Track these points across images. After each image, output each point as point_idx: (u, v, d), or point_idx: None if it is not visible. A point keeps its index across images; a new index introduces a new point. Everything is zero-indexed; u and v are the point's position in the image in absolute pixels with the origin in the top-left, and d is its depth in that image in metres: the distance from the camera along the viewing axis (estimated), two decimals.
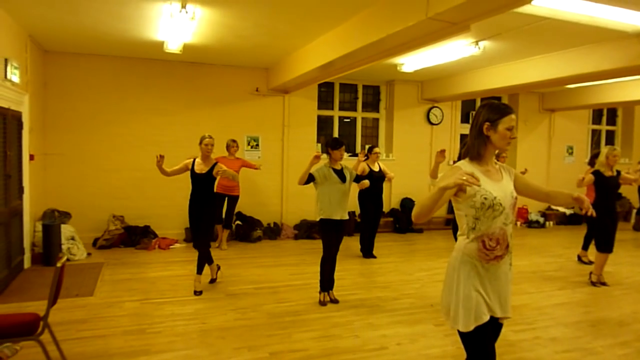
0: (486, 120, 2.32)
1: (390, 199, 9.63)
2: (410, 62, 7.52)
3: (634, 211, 11.05)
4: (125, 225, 7.71)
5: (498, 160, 2.48)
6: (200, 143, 5.29)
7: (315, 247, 7.50)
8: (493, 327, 2.34)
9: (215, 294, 5.28)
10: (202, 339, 4.04)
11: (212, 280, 5.64)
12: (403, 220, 9.43)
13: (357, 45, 5.25)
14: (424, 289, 5.62)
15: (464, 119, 10.51)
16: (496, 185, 2.33)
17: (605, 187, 5.86)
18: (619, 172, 5.98)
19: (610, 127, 12.37)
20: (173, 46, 6.34)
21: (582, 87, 9.70)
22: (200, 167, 5.27)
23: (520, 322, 4.56)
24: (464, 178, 2.06)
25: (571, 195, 2.45)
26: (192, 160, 5.34)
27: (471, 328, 2.26)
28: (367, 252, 7.26)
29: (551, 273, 6.48)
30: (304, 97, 8.97)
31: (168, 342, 3.95)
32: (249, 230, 8.22)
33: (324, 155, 5.30)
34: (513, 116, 2.32)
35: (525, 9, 4.43)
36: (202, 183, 5.25)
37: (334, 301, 5.08)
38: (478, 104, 10.69)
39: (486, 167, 2.36)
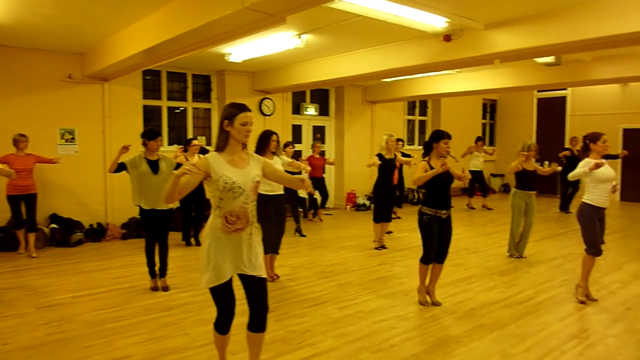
0: (225, 118, 2.78)
1: None
2: (238, 52, 7.48)
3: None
4: None
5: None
6: None
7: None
8: (252, 282, 2.89)
9: (22, 308, 4.64)
10: None
11: None
12: None
13: (178, 31, 5.02)
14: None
15: (295, 110, 10.85)
16: (238, 172, 2.79)
17: (385, 167, 6.94)
18: (395, 155, 7.25)
19: (422, 117, 13.91)
20: None
21: (397, 81, 10.72)
22: None
23: (344, 299, 4.89)
24: (187, 168, 2.59)
25: (298, 178, 2.99)
26: None
27: (210, 285, 2.82)
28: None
29: (372, 251, 7.06)
30: (127, 85, 8.34)
31: None
32: (67, 234, 7.38)
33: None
34: (248, 113, 2.79)
35: (338, 5, 4.70)
36: None
37: (165, 288, 5.13)
38: (308, 95, 11.13)
39: (231, 157, 2.81)
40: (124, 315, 4.46)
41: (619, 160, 12.38)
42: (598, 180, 4.62)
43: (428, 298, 4.74)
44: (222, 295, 2.89)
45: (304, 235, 8.18)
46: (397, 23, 5.44)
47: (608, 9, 4.85)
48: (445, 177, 4.48)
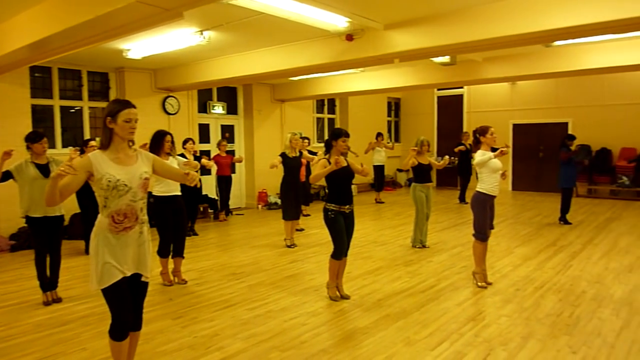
0: (107, 115, 2.74)
1: None
2: (137, 48, 7.13)
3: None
4: None
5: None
6: None
7: None
8: (138, 284, 2.89)
9: None
10: None
11: None
12: None
13: (67, 24, 4.67)
14: (162, 284, 5.45)
15: (202, 109, 10.57)
16: (123, 169, 2.75)
17: (289, 166, 7.09)
18: (301, 153, 7.46)
19: (331, 116, 14.16)
20: None
21: (305, 80, 10.82)
22: None
23: (255, 299, 4.84)
24: (62, 169, 2.52)
25: (182, 173, 3.04)
26: None
27: (102, 287, 2.72)
28: None
29: (284, 249, 7.06)
30: (12, 84, 7.63)
31: None
32: None
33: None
34: (132, 110, 2.76)
35: (237, 2, 4.62)
36: None
37: (56, 300, 4.83)
38: (215, 93, 10.89)
39: (115, 155, 2.76)
40: (13, 334, 4.07)
41: (510, 153, 13.49)
42: (492, 170, 4.99)
43: (337, 292, 4.83)
44: (114, 297, 2.78)
45: (197, 234, 8.16)
46: (299, 21, 5.47)
47: (498, 12, 5.22)
48: (345, 174, 4.58)
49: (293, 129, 12.36)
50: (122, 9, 3.95)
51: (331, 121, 14.15)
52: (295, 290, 5.11)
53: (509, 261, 6.12)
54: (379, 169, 11.85)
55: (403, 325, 4.11)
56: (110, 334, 2.85)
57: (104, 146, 2.77)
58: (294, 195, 7.20)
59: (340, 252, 4.67)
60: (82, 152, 6.54)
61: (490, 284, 5.17)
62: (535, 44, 6.30)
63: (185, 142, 7.57)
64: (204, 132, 10.66)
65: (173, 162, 5.13)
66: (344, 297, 4.80)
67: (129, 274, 2.80)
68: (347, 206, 4.64)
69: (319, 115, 13.75)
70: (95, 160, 2.70)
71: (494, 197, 5.07)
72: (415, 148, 6.72)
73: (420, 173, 6.88)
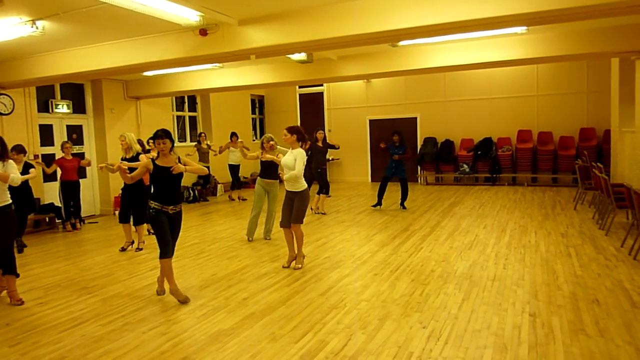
0: None
1: None
2: None
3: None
4: None
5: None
6: None
7: None
8: None
9: None
10: None
11: None
12: None
13: None
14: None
15: (42, 108, 9.49)
16: None
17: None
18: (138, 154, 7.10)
19: (192, 113, 13.67)
20: None
21: (161, 76, 10.29)
22: None
23: (110, 313, 4.46)
24: None
25: None
26: None
27: None
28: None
29: (141, 256, 6.65)
30: None
31: None
32: None
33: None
34: None
35: None
36: None
37: None
38: (58, 91, 9.85)
39: None
40: None
41: (368, 147, 14.33)
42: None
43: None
44: None
45: (25, 246, 7.42)
46: (147, 14, 5.15)
47: (348, 11, 5.43)
48: (168, 174, 4.55)
49: (151, 127, 11.70)
50: None
51: (192, 119, 13.68)
52: (156, 299, 4.82)
53: (368, 248, 6.47)
54: (234, 168, 11.83)
55: (268, 321, 4.10)
56: None
57: None
58: (130, 198, 7.00)
59: (167, 249, 4.61)
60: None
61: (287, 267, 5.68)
62: (382, 43, 6.71)
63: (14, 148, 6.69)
64: (46, 134, 9.58)
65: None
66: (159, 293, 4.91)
67: None
68: (171, 207, 4.62)
69: (179, 113, 13.20)
70: None
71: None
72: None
73: (263, 169, 7.08)
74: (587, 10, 4.71)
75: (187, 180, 12.40)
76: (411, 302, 4.42)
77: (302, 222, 5.62)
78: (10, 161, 4.87)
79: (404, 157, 9.32)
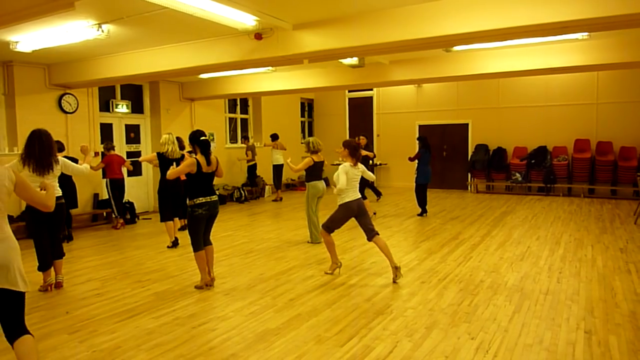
0: None
1: None
2: (26, 40, 6.53)
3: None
4: None
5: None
6: None
7: None
8: (8, 297, 2.70)
9: None
10: None
11: None
12: None
13: None
14: (59, 297, 5.05)
15: (103, 107, 9.96)
16: None
17: (166, 166, 6.82)
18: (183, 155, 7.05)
19: (244, 116, 13.96)
20: None
21: (215, 78, 10.57)
22: None
23: (162, 307, 4.62)
24: None
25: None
26: None
27: None
28: None
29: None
30: None
31: None
32: None
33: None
34: None
35: None
36: None
37: None
38: (119, 91, 10.31)
39: None
40: None
41: (416, 152, 14.12)
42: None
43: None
44: None
45: (71, 238, 7.86)
46: (205, 18, 5.32)
47: (401, 16, 5.42)
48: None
49: (204, 128, 12.05)
50: None
51: (244, 121, 13.96)
52: (204, 296, 4.95)
53: (415, 255, 6.39)
54: (277, 168, 12.10)
55: (314, 323, 4.13)
56: None
57: None
58: (169, 195, 7.22)
59: (199, 244, 5.10)
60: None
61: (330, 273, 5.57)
62: (436, 48, 6.63)
63: None
64: (106, 132, 10.05)
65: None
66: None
67: (5, 286, 2.64)
68: (214, 196, 5.15)
69: (232, 115, 13.51)
70: None
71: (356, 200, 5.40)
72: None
73: (312, 171, 7.07)
74: None
75: (235, 181, 12.67)
76: (459, 312, 4.33)
77: (327, 230, 5.53)
78: (63, 158, 5.23)
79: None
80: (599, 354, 3.45)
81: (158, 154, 7.01)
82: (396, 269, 5.24)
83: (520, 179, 12.46)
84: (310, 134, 16.43)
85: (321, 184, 7.15)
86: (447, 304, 4.54)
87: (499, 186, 13.12)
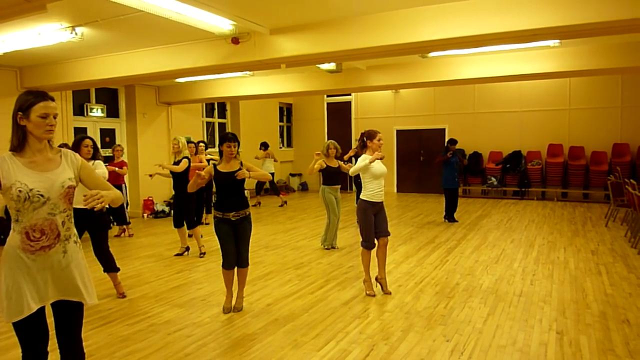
0: (18, 110, 2.27)
1: None
2: None
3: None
4: None
5: None
6: None
7: None
8: (67, 309, 2.41)
9: None
10: None
11: None
12: None
13: None
14: None
15: (77, 111, 9.79)
16: (40, 176, 2.28)
17: (175, 173, 6.76)
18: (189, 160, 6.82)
19: (221, 120, 13.89)
20: None
21: (192, 83, 10.50)
22: None
23: (137, 314, 4.55)
24: None
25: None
26: None
27: (14, 320, 2.25)
28: None
29: (170, 259, 6.76)
30: None
31: None
32: None
33: None
34: (50, 103, 2.28)
35: None
36: None
37: None
38: (93, 95, 10.16)
39: (31, 158, 2.30)
40: None
41: (394, 157, 14.26)
42: (373, 176, 4.95)
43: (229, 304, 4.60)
44: (26, 331, 2.32)
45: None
46: (181, 22, 5.28)
47: (378, 22, 5.46)
48: (232, 180, 4.34)
49: (181, 133, 11.96)
50: None
51: (222, 126, 13.89)
52: (180, 302, 4.90)
53: (392, 259, 6.43)
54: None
55: (291, 328, 4.12)
56: None
57: (16, 148, 2.28)
58: (183, 202, 6.88)
59: (224, 260, 4.50)
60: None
61: (373, 295, 4.95)
62: (412, 53, 6.70)
63: None
64: None
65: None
66: (236, 309, 4.56)
67: (47, 303, 2.34)
68: (233, 213, 4.43)
69: (209, 119, 13.42)
70: (4, 166, 2.23)
71: (378, 203, 5.03)
72: (319, 153, 6.93)
73: (329, 176, 7.03)
74: (622, 25, 4.62)
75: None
76: (435, 314, 4.37)
77: (362, 242, 5.14)
78: (98, 161, 5.10)
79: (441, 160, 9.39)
80: (570, 354, 3.52)
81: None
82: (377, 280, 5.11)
83: (495, 183, 12.66)
84: (289, 139, 16.43)
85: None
86: (423, 307, 4.59)
87: (475, 190, 13.32)
